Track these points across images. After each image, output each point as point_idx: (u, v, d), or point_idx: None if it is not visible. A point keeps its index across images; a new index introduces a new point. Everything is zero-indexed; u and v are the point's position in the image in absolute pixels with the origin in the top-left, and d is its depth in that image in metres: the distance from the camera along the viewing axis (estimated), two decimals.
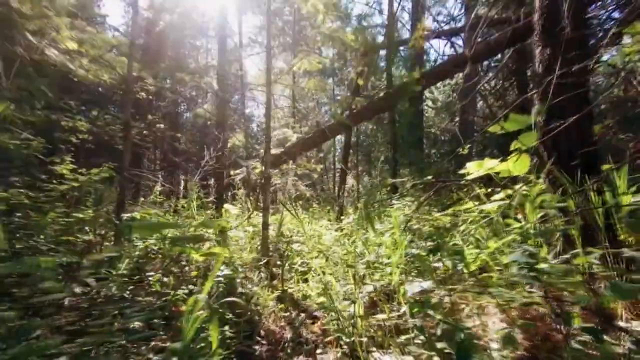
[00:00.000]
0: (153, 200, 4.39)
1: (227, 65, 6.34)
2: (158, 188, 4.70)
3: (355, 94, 6.01)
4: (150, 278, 2.05)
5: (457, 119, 16.20)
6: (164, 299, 1.81)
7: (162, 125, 4.95)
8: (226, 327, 1.53)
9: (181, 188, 4.77)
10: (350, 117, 5.12)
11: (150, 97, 4.49)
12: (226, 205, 5.15)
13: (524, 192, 1.63)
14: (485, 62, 9.94)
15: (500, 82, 7.24)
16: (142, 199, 4.53)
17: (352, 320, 1.32)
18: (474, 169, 2.11)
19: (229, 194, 5.63)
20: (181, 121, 15.42)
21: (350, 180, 13.10)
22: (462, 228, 1.94)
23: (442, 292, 1.42)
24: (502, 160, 2.14)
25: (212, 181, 5.77)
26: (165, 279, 2.01)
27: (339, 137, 17.07)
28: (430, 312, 1.39)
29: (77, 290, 1.59)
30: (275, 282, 2.93)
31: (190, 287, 2.04)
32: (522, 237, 1.36)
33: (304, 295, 1.80)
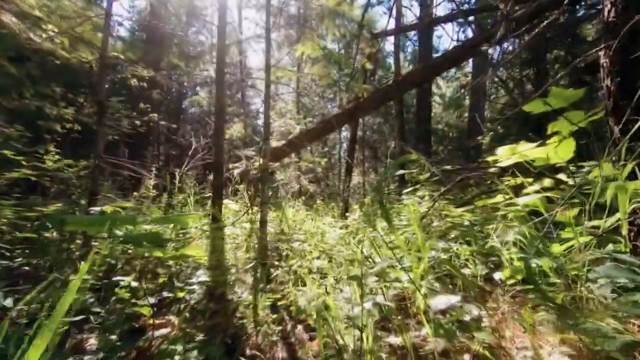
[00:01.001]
0: (144, 195, 4.09)
1: (228, 53, 6.04)
2: (151, 182, 4.41)
3: (363, 81, 5.65)
4: (121, 283, 1.73)
5: (466, 114, 15.72)
6: (128, 309, 1.49)
7: (155, 115, 4.65)
8: (193, 353, 1.20)
9: (176, 182, 4.46)
10: (357, 105, 4.76)
11: (143, 84, 4.20)
12: (225, 201, 4.85)
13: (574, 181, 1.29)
14: (498, 52, 9.45)
15: (517, 70, 6.80)
16: (135, 193, 4.24)
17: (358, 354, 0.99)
18: (505, 155, 1.75)
19: (230, 189, 5.32)
20: (185, 117, 15.17)
21: (355, 178, 12.76)
22: (494, 226, 1.59)
23: (475, 308, 1.08)
24: (539, 145, 1.78)
25: (211, 176, 5.44)
26: (136, 284, 1.69)
27: (344, 133, 16.73)
28: (463, 338, 1.05)
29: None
30: (270, 286, 2.61)
31: (166, 294, 1.72)
32: (599, 239, 1.01)
33: (299, 309, 1.47)
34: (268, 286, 2.61)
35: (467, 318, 1.04)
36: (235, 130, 5.05)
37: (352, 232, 3.90)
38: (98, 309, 1.48)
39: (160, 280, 1.67)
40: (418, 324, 1.58)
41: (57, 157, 3.62)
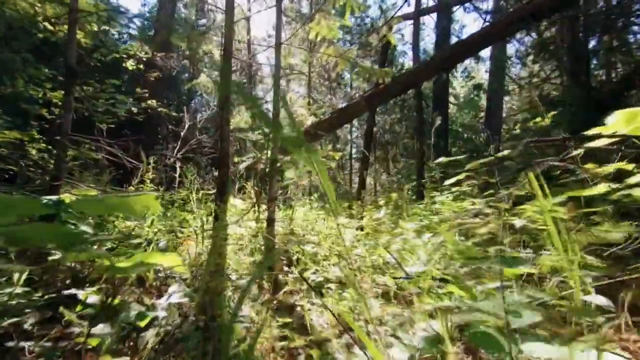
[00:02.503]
0: (139, 187, 3.67)
1: (235, 34, 5.63)
2: (149, 174, 3.98)
3: (382, 64, 5.16)
4: (79, 296, 1.27)
5: (482, 113, 15.09)
6: (71, 340, 1.03)
7: (153, 101, 4.23)
8: None
9: (176, 175, 4.03)
10: (376, 92, 4.28)
11: (141, 66, 3.81)
12: (231, 198, 4.39)
13: None
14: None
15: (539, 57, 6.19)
16: (130, 187, 3.83)
17: None
18: (619, 124, 1.20)
19: (236, 186, 4.88)
20: (197, 114, 14.86)
21: (367, 180, 12.24)
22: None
23: None
24: None
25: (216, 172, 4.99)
26: (94, 301, 1.22)
27: (355, 133, 16.24)
28: None
29: None
30: (279, 296, 2.14)
31: (136, 312, 1.25)
32: None
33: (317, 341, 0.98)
34: (277, 295, 2.14)
35: None
36: (241, 118, 4.62)
37: (370, 234, 3.44)
38: (29, 343, 1.02)
39: (117, 300, 1.19)
40: None
41: (39, 143, 3.23)
